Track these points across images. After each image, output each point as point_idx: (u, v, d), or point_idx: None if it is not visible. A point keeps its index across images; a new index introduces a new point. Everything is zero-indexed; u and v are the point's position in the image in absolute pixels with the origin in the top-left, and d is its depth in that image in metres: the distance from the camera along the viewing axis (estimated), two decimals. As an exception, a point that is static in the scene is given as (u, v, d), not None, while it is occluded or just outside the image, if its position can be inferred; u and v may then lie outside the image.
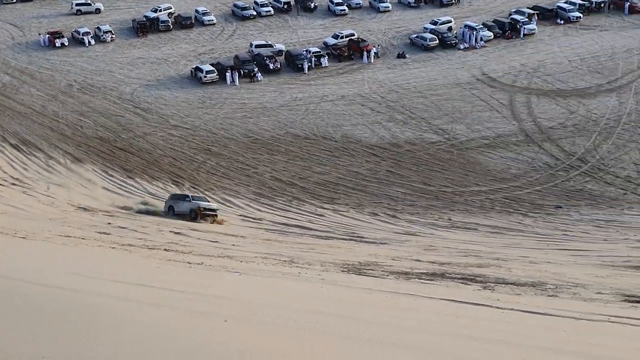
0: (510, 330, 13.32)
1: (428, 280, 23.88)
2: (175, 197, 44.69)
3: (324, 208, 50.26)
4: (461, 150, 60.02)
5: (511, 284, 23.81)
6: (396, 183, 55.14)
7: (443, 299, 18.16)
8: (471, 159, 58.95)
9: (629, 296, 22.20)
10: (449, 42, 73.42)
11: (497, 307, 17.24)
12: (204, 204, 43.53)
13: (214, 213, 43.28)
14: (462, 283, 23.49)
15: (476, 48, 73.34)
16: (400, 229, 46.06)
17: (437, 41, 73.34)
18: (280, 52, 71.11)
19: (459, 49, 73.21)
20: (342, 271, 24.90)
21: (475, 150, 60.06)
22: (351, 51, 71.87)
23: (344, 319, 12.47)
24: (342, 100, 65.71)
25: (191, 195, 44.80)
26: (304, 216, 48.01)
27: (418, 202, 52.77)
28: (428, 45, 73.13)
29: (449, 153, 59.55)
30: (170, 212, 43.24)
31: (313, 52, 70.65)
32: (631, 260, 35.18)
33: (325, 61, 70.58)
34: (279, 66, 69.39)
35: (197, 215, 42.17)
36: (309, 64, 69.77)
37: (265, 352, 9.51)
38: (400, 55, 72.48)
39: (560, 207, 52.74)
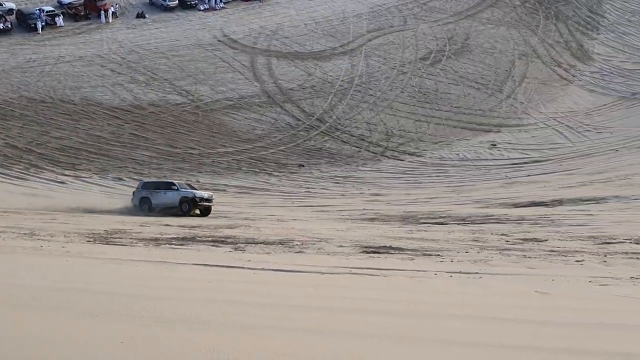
0: (263, 291, 13.73)
1: (179, 245, 23.86)
2: (151, 186, 36.16)
3: (65, 175, 48.21)
4: (206, 111, 60.20)
5: (261, 243, 24.55)
6: (141, 146, 54.09)
7: (195, 264, 18.23)
8: (217, 121, 59.40)
9: (366, 247, 23.92)
10: (188, 3, 72.86)
11: (249, 268, 17.68)
12: (198, 192, 36.02)
13: (210, 203, 35.97)
14: (213, 246, 23.78)
15: (216, 9, 73.49)
16: (148, 194, 45.38)
17: (177, 1, 72.54)
18: (10, 11, 66.53)
19: (199, 10, 72.95)
20: (88, 241, 24.05)
21: (220, 111, 60.56)
22: (88, 10, 68.75)
23: (94, 294, 12.07)
24: (80, 62, 62.77)
25: (177, 183, 36.71)
26: (44, 184, 45.73)
27: (165, 165, 52.31)
28: (168, 5, 72.02)
29: (194, 115, 59.49)
30: (144, 206, 35.29)
31: (47, 11, 66.73)
32: (366, 213, 37.89)
33: (60, 21, 66.92)
34: (9, 26, 64.87)
35: (190, 208, 34.87)
36: (43, 23, 65.78)
37: (7, 338, 8.93)
38: (140, 15, 70.59)
39: (303, 166, 55.14)
